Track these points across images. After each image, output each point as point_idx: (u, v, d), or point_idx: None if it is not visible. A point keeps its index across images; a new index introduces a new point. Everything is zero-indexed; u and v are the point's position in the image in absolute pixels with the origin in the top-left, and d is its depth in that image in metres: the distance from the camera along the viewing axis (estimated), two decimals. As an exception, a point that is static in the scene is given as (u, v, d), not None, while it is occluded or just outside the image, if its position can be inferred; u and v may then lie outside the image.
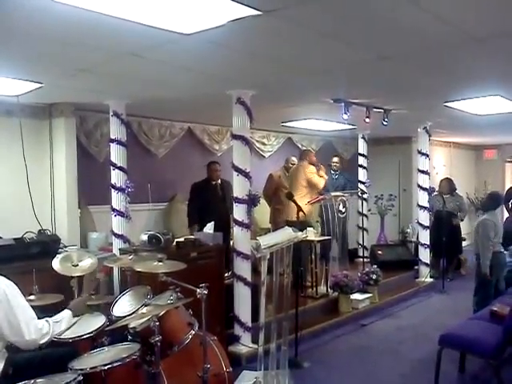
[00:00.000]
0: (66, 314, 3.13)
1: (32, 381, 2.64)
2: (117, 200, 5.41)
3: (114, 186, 5.41)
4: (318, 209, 7.04)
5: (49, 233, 5.11)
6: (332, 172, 8.05)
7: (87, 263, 4.04)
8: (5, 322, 2.75)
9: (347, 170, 8.66)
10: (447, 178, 8.80)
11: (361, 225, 8.49)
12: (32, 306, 3.12)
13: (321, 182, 6.78)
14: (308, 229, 5.75)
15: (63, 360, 2.96)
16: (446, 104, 5.86)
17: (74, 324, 3.17)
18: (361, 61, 3.88)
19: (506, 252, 5.74)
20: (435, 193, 8.31)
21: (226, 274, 5.35)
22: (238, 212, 4.93)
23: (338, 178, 8.05)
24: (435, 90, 5.21)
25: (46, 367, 2.86)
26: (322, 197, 6.77)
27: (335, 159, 8.27)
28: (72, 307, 3.25)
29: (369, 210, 8.98)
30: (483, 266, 5.48)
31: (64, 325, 3.05)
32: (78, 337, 3.28)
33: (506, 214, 7.54)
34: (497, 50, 3.63)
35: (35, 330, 2.83)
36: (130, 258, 4.04)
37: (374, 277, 6.76)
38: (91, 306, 3.78)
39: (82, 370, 2.82)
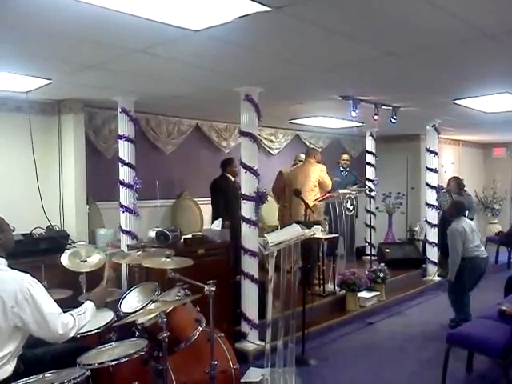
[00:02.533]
0: (89, 305, 3.09)
1: (41, 375, 2.66)
2: (125, 196, 5.43)
3: (122, 183, 5.43)
4: (325, 207, 7.02)
5: (57, 229, 5.14)
6: (341, 169, 8.09)
7: (95, 259, 4.06)
8: (31, 319, 2.74)
9: (353, 167, 8.64)
10: (455, 177, 8.73)
11: (368, 223, 8.47)
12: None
13: (331, 184, 6.79)
14: (315, 226, 5.74)
15: (74, 356, 2.96)
16: (455, 101, 5.83)
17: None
18: (370, 57, 3.86)
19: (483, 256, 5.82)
20: (443, 191, 8.27)
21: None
22: (246, 209, 4.93)
23: (348, 176, 8.06)
24: (444, 88, 5.18)
25: (56, 363, 2.87)
26: (329, 194, 6.75)
27: (345, 156, 8.32)
28: (93, 298, 3.21)
29: (376, 208, 8.95)
30: (451, 271, 5.77)
31: (88, 315, 3.02)
32: (86, 332, 3.30)
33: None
34: (507, 47, 3.59)
35: (62, 325, 2.81)
36: (138, 254, 4.06)
37: (382, 275, 6.74)
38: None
39: (89, 365, 2.84)
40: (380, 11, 2.84)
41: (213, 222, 6.07)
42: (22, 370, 2.82)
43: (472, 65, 4.20)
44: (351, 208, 6.97)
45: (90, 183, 5.74)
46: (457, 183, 8.41)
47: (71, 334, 2.86)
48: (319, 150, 7.90)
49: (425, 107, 6.48)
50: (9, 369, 2.77)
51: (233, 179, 6.56)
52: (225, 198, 6.38)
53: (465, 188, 8.56)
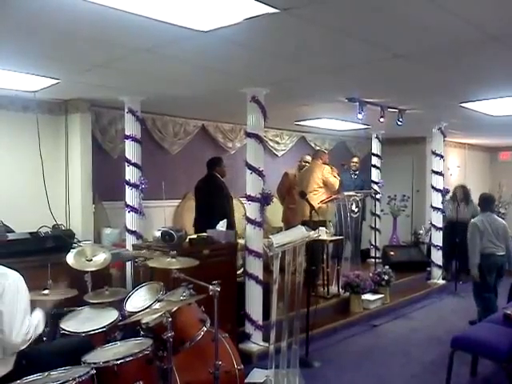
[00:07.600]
0: (39, 314, 3.06)
1: (46, 373, 2.67)
2: (131, 196, 5.45)
3: (128, 183, 5.45)
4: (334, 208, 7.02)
5: (63, 228, 5.14)
6: (351, 172, 8.13)
7: (101, 258, 4.08)
8: (8, 313, 2.73)
9: (361, 170, 8.65)
10: (462, 186, 8.45)
11: (373, 225, 8.46)
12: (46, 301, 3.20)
13: (336, 183, 6.79)
14: (321, 228, 5.73)
15: (77, 351, 2.99)
16: (462, 104, 5.81)
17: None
18: (376, 59, 3.86)
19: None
20: (448, 198, 8.17)
21: (239, 272, 5.33)
22: (251, 210, 4.93)
23: (357, 179, 8.09)
24: (451, 90, 5.16)
25: (59, 357, 2.89)
26: (334, 196, 6.75)
27: (355, 159, 8.37)
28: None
29: (381, 211, 8.93)
30: (471, 267, 5.63)
31: (41, 327, 3.01)
32: (91, 331, 3.32)
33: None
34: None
35: (23, 334, 2.79)
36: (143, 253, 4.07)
37: (386, 277, 6.73)
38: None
39: (95, 363, 2.85)
40: (387, 13, 2.84)
41: (199, 225, 5.97)
42: (24, 364, 2.85)
43: (480, 67, 4.18)
44: (356, 210, 6.95)
45: (96, 183, 5.76)
46: (463, 193, 8.26)
47: (23, 347, 2.83)
48: (326, 151, 7.87)
49: (431, 110, 6.47)
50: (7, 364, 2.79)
51: (223, 179, 6.32)
52: (220, 199, 6.14)
53: (471, 199, 8.33)
